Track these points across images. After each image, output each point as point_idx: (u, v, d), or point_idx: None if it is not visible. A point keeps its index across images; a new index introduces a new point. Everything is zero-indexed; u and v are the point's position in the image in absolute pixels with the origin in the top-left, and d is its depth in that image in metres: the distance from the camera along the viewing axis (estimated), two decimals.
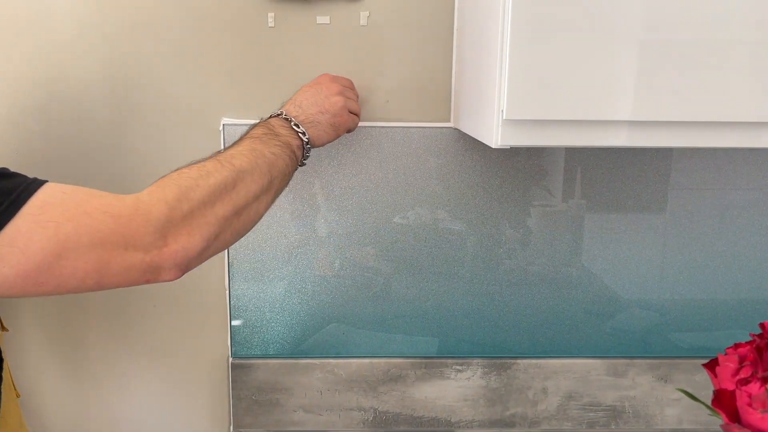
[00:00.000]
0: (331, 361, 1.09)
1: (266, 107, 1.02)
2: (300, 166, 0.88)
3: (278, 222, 1.07)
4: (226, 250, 1.07)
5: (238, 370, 1.09)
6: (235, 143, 0.81)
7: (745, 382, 0.58)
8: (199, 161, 0.76)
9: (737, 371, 0.59)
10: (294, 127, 0.86)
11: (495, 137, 0.77)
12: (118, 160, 1.05)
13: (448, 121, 1.04)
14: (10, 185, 0.65)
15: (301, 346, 1.11)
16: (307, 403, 1.10)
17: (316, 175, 1.06)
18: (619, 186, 1.08)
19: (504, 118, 0.75)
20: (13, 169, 0.68)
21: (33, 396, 1.12)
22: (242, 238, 1.04)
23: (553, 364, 1.11)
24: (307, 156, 0.88)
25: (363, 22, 1.01)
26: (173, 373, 1.12)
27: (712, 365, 0.63)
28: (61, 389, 1.12)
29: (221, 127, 1.03)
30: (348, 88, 0.97)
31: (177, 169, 0.74)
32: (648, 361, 1.11)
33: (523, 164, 1.06)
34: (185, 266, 0.71)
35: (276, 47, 1.01)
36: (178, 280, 1.06)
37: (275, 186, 0.80)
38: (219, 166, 0.75)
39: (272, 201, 0.81)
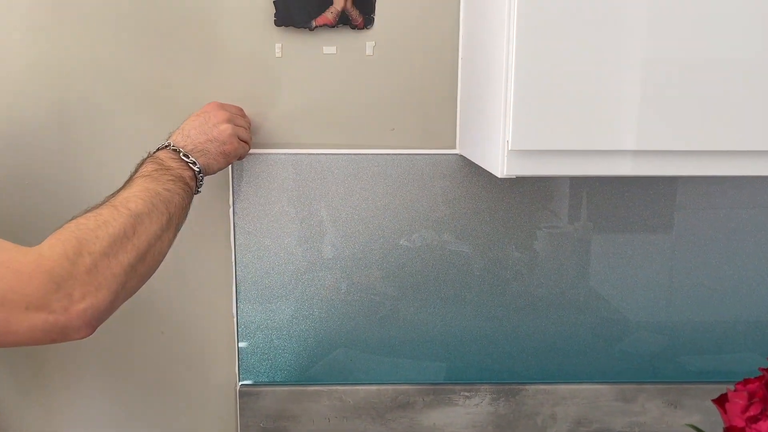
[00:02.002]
0: (339, 387, 1.09)
1: (274, 137, 1.04)
2: (195, 194, 0.87)
3: (285, 247, 1.07)
4: (234, 276, 1.08)
5: (246, 397, 1.09)
6: (126, 184, 0.80)
7: (754, 419, 0.58)
8: (93, 208, 0.74)
9: (747, 408, 0.59)
10: (183, 157, 0.86)
11: (501, 167, 0.77)
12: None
13: (454, 148, 1.05)
14: None
15: (309, 372, 1.11)
16: (316, 430, 1.10)
17: (323, 200, 1.06)
18: (625, 208, 1.08)
19: (510, 148, 0.75)
20: None
21: (25, 424, 1.12)
22: (248, 264, 1.07)
23: (562, 390, 1.10)
24: (201, 184, 0.88)
25: (369, 51, 1.01)
26: (181, 400, 1.12)
27: (721, 401, 0.63)
28: (62, 418, 1.12)
29: None
30: (237, 115, 0.96)
31: (73, 218, 0.72)
32: (657, 386, 1.10)
33: (529, 187, 1.06)
34: (96, 323, 0.68)
35: (283, 77, 1.02)
36: (185, 306, 1.09)
37: (174, 222, 0.79)
38: (116, 213, 0.72)
39: (174, 237, 0.79)
